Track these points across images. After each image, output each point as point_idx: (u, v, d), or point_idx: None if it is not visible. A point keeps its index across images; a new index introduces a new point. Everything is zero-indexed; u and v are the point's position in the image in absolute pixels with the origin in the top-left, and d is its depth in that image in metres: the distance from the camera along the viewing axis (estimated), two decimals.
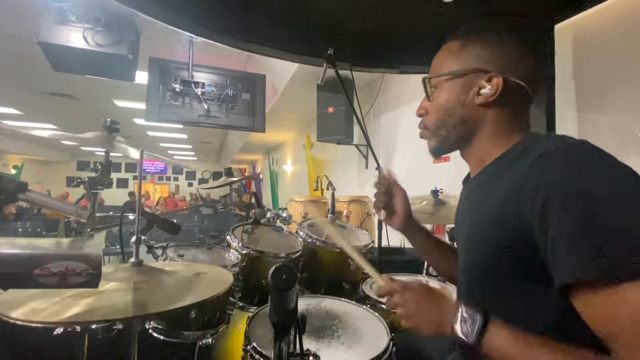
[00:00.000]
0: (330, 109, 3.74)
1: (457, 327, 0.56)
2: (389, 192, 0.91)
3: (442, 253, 0.94)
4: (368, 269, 0.76)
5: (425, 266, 1.68)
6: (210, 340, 1.15)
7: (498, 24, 0.66)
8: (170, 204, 10.50)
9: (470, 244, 0.67)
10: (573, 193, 0.47)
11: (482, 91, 0.63)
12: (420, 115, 0.74)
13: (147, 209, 1.08)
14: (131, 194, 11.13)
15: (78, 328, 0.99)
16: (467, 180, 0.77)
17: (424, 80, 0.72)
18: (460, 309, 0.57)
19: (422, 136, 0.75)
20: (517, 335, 0.52)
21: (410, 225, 0.92)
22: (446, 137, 0.70)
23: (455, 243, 1.50)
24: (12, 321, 0.60)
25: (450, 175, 2.50)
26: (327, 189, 2.35)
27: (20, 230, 5.75)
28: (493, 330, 0.54)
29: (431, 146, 0.73)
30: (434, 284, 1.40)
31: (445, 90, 0.68)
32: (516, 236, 0.54)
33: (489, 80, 0.63)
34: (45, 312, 0.63)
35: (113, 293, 0.74)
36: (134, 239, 0.93)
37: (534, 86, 0.64)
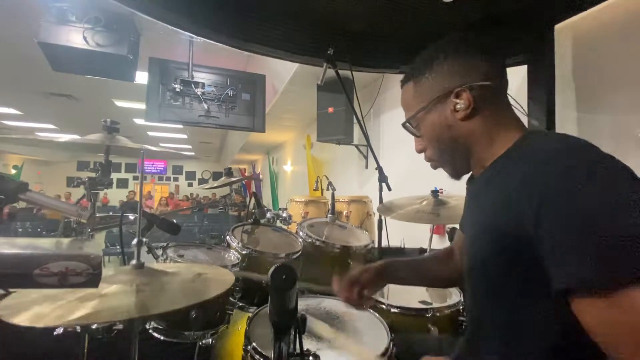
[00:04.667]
0: (330, 109, 3.74)
1: None
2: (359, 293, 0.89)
3: (425, 269, 0.95)
4: None
5: None
6: (210, 340, 1.15)
7: (436, 45, 0.70)
8: (171, 204, 10.52)
9: (473, 245, 0.67)
10: (570, 198, 0.47)
11: (458, 107, 0.66)
12: (420, 151, 0.77)
13: (146, 209, 1.08)
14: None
15: (78, 328, 0.99)
16: (471, 180, 0.78)
17: (403, 125, 0.76)
18: None
19: (434, 167, 0.78)
20: None
21: (387, 277, 0.91)
22: (452, 160, 0.73)
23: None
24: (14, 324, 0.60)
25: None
26: (327, 189, 2.35)
27: (20, 230, 5.75)
28: None
29: (448, 173, 0.76)
30: None
31: (427, 122, 0.71)
32: (515, 238, 0.53)
33: (457, 97, 0.65)
34: (48, 317, 0.63)
35: (115, 296, 0.74)
36: (135, 240, 0.92)
37: (499, 77, 0.67)
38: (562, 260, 0.47)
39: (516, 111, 0.71)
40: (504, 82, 0.68)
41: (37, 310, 0.65)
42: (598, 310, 0.45)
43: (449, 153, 0.72)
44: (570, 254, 0.46)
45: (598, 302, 0.45)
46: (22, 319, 0.62)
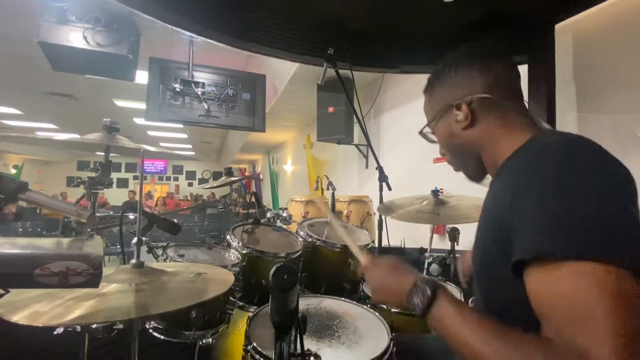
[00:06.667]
0: (330, 109, 3.74)
1: (410, 298, 0.60)
2: None
3: None
4: (352, 245, 0.87)
5: (426, 266, 1.68)
6: (210, 340, 1.15)
7: (447, 57, 0.74)
8: (171, 204, 10.47)
9: (474, 248, 0.70)
10: (537, 180, 0.51)
11: (458, 119, 0.71)
12: (443, 155, 0.83)
13: (146, 209, 1.08)
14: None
15: (78, 328, 0.99)
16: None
17: (420, 133, 0.84)
18: (415, 282, 0.61)
19: (456, 170, 0.83)
20: (460, 311, 0.55)
21: None
22: (464, 165, 0.78)
23: (456, 243, 1.51)
24: (13, 322, 0.60)
25: (450, 175, 2.49)
26: (327, 189, 2.35)
27: (21, 230, 5.74)
28: (440, 303, 0.57)
29: (466, 176, 0.81)
30: None
31: (438, 131, 0.79)
32: (499, 231, 0.56)
33: (458, 109, 0.71)
34: (47, 315, 0.63)
35: (115, 295, 0.74)
36: (134, 240, 0.92)
37: (503, 87, 0.69)
38: (521, 236, 0.50)
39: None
40: (510, 90, 0.71)
41: (35, 308, 0.65)
42: (540, 280, 0.48)
43: (460, 158, 0.78)
44: (524, 231, 0.49)
45: (541, 273, 0.47)
46: (20, 317, 0.62)
